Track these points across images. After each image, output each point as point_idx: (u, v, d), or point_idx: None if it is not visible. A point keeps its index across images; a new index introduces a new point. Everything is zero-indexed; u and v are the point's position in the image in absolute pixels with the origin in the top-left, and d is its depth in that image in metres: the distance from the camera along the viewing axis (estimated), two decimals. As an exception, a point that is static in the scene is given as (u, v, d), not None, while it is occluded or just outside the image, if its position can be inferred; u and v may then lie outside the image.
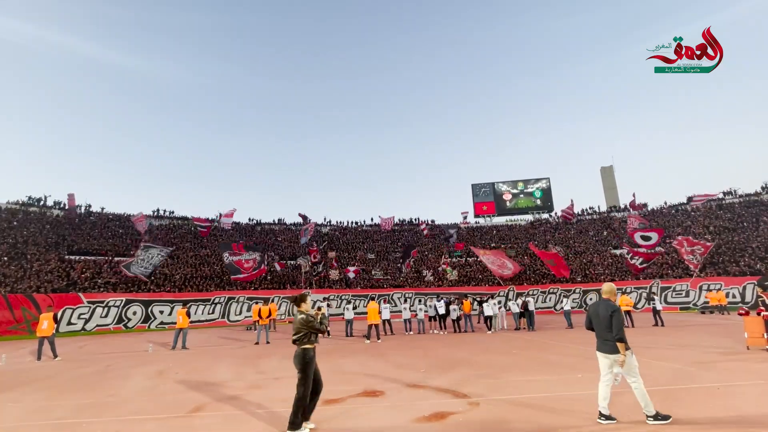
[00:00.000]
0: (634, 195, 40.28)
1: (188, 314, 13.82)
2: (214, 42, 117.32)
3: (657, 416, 4.22)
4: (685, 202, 36.40)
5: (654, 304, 17.03)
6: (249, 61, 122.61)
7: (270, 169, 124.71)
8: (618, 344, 4.25)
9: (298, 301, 4.83)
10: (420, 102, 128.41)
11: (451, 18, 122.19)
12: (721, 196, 35.54)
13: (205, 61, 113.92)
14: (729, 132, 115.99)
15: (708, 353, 8.84)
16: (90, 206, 32.37)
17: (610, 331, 4.33)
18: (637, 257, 26.83)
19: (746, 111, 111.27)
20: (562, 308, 19.09)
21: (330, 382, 7.14)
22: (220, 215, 34.58)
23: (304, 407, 4.50)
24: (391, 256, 34.58)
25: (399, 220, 40.91)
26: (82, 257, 25.88)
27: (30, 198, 29.81)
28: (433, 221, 41.16)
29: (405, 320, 16.71)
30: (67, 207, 30.52)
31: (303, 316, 4.67)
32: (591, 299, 27.01)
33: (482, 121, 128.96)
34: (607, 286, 4.73)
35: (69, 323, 19.89)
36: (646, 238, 28.38)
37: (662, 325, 15.69)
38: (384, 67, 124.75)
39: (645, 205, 38.51)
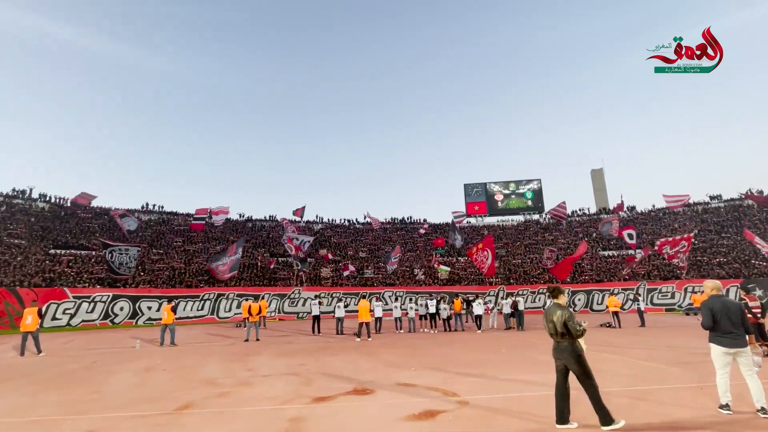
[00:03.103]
0: (621, 197, 40.30)
1: (174, 310, 13.39)
2: (211, 40, 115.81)
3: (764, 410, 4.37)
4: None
5: (638, 304, 17.38)
6: (245, 61, 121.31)
7: (265, 167, 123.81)
8: (751, 337, 4.59)
9: (555, 293, 4.57)
10: (416, 103, 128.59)
11: (448, 21, 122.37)
12: (707, 200, 36.30)
13: (204, 60, 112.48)
14: (719, 137, 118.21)
15: (692, 354, 9.01)
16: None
17: (741, 327, 4.48)
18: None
19: (741, 115, 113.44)
20: (550, 308, 19.34)
21: (320, 380, 7.12)
22: (210, 211, 33.93)
23: (601, 401, 4.08)
24: (383, 255, 34.56)
25: (391, 218, 40.97)
26: (68, 251, 25.41)
27: (14, 190, 29.14)
28: (425, 220, 41.31)
29: (395, 319, 16.78)
30: (78, 202, 30.11)
31: (560, 311, 4.27)
32: (579, 299, 27.38)
33: (480, 122, 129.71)
34: (713, 283, 4.81)
35: (54, 318, 19.53)
36: (630, 237, 29.00)
37: (642, 325, 16.13)
38: (383, 68, 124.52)
39: (633, 208, 39.12)
